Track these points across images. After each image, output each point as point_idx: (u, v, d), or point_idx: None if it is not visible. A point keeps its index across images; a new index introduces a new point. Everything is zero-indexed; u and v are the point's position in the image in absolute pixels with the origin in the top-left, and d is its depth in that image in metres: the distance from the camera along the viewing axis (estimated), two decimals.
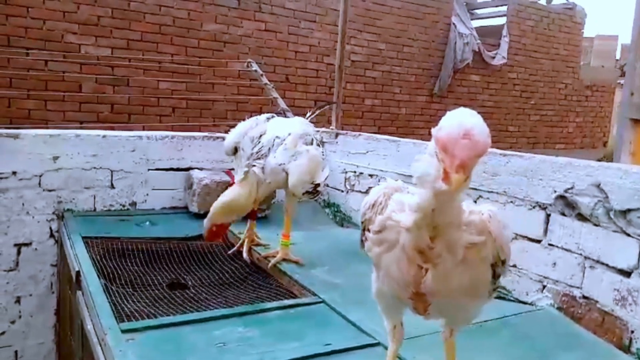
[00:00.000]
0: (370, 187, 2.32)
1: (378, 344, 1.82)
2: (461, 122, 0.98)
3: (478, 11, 10.74)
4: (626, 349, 1.98)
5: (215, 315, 1.98)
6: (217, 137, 3.43)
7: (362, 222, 1.32)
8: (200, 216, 3.20)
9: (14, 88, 5.77)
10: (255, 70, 5.00)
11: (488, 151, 1.00)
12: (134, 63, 6.46)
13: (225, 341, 1.79)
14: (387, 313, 1.42)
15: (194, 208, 3.21)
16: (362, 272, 2.17)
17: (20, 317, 2.95)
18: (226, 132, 2.74)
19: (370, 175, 3.34)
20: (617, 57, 13.87)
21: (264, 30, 7.49)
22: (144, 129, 6.37)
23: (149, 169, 3.24)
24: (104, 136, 3.11)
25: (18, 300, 2.94)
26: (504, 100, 10.37)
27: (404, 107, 9.02)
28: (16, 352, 2.97)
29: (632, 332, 1.97)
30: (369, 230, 1.27)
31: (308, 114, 2.77)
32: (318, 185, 2.44)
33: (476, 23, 9.98)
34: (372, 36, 8.50)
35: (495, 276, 1.24)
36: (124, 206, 3.18)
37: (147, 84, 6.61)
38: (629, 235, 1.98)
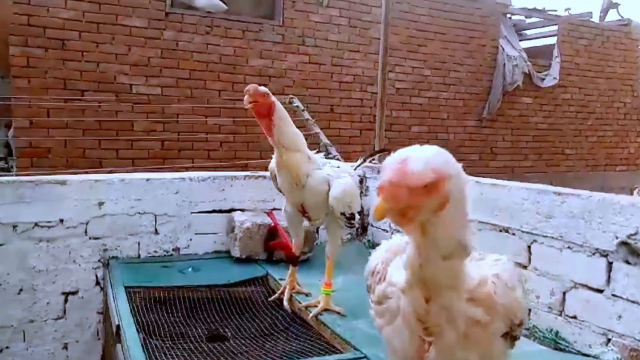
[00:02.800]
0: None
1: None
2: (408, 151, 0.89)
3: (527, 32, 10.46)
4: None
5: None
6: (259, 177, 3.41)
7: (367, 287, 1.23)
8: (242, 260, 3.18)
9: (70, 129, 6.03)
10: (297, 106, 5.00)
11: (440, 187, 0.88)
12: (182, 102, 6.63)
13: None
14: None
15: (236, 252, 3.18)
16: None
17: None
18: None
19: None
20: None
21: (308, 63, 7.54)
22: (193, 164, 6.52)
23: (191, 212, 3.25)
24: (147, 179, 3.14)
25: (65, 347, 2.97)
26: (558, 122, 9.97)
27: (452, 132, 8.82)
28: None
29: None
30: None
31: (358, 163, 2.69)
32: (353, 215, 2.36)
33: (525, 44, 9.70)
34: (417, 63, 8.41)
35: (512, 339, 1.12)
36: (167, 252, 3.19)
37: (196, 120, 6.76)
38: None
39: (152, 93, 6.50)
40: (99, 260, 3.00)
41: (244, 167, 6.11)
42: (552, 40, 9.88)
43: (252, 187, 3.42)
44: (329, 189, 2.32)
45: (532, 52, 9.66)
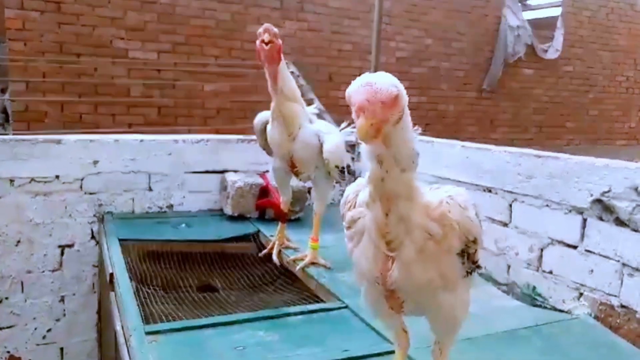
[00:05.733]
0: None
1: None
2: (367, 76, 1.01)
3: (530, 2, 10.34)
4: None
5: (238, 319, 2.00)
6: (251, 140, 3.46)
7: (341, 216, 1.32)
8: (235, 218, 3.27)
9: (66, 93, 6.06)
10: (292, 72, 5.01)
11: (400, 100, 1.01)
12: (179, 66, 6.64)
13: (245, 345, 1.80)
14: (379, 317, 1.40)
15: (228, 210, 3.26)
16: None
17: (64, 315, 3.09)
18: None
19: None
20: None
21: (307, 30, 7.51)
22: (189, 131, 6.57)
23: (185, 172, 3.31)
24: (141, 140, 3.20)
25: (62, 299, 3.08)
26: (560, 94, 9.95)
27: (452, 103, 8.82)
28: (62, 349, 3.12)
29: None
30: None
31: (343, 125, 2.74)
32: (344, 169, 2.44)
33: (528, 15, 9.61)
34: (419, 32, 8.35)
35: (469, 258, 1.20)
36: (161, 208, 3.27)
37: (193, 86, 6.77)
38: None
39: (148, 58, 6.51)
40: (94, 215, 3.09)
41: (242, 135, 6.16)
42: (556, 11, 9.76)
43: (245, 150, 3.48)
44: (320, 144, 2.38)
45: (535, 23, 9.57)
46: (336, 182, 2.64)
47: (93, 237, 3.09)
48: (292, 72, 5.13)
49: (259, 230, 3.12)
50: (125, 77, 6.35)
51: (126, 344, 1.84)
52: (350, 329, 1.99)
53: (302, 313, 2.10)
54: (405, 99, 1.03)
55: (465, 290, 1.28)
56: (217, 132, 6.16)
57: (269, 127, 2.49)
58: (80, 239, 3.07)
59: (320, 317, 2.09)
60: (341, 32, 7.72)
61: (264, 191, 3.26)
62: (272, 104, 2.40)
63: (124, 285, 2.23)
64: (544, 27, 9.65)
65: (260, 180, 3.32)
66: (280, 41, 2.27)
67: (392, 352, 1.77)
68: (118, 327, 1.99)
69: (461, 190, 1.21)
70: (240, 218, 3.26)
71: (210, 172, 3.39)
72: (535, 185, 2.36)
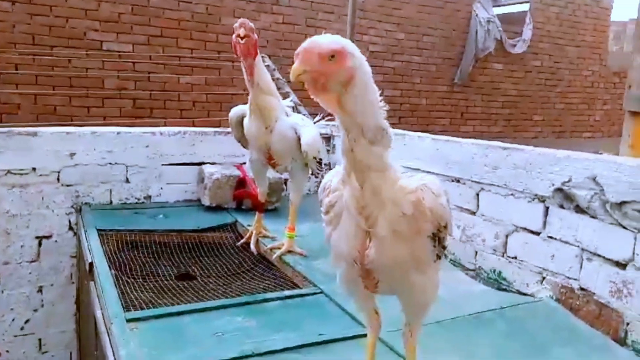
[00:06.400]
0: None
1: None
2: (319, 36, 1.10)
3: None
4: (622, 342, 1.99)
5: (217, 305, 2.07)
6: (228, 133, 3.51)
7: (319, 203, 1.38)
8: (212, 209, 3.32)
9: (39, 85, 5.99)
10: (268, 65, 5.06)
11: (344, 58, 1.07)
12: (155, 59, 6.61)
13: (223, 331, 1.87)
14: (351, 297, 1.47)
15: (206, 201, 3.31)
16: None
17: (42, 306, 3.11)
18: None
19: None
20: None
21: (282, 23, 7.54)
22: (165, 124, 6.55)
23: (162, 164, 3.35)
24: (118, 133, 3.22)
25: (40, 290, 3.10)
26: (528, 88, 10.20)
27: (424, 97, 8.97)
28: (40, 340, 3.13)
29: (628, 324, 1.98)
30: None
31: (317, 118, 2.81)
32: (321, 160, 2.53)
33: (498, 10, 9.82)
34: (392, 26, 8.46)
35: (439, 242, 1.28)
36: (139, 199, 3.31)
37: (168, 79, 6.75)
38: (624, 227, 1.98)
39: (123, 50, 6.46)
40: (72, 206, 3.11)
41: (218, 127, 6.19)
42: (525, 7, 10.00)
43: (222, 142, 3.53)
44: (296, 136, 2.46)
45: (504, 19, 9.78)
46: (312, 174, 2.72)
47: (71, 228, 3.11)
48: (267, 66, 5.18)
49: (236, 220, 3.18)
50: (99, 70, 6.29)
51: (107, 332, 1.89)
52: (325, 313, 2.08)
53: (278, 299, 2.18)
54: (354, 60, 1.09)
55: (435, 273, 1.36)
56: (193, 124, 6.17)
57: (246, 120, 2.55)
58: (58, 230, 3.08)
59: (297, 303, 2.17)
60: (316, 26, 7.77)
61: (241, 182, 3.32)
62: (249, 97, 2.46)
63: (104, 274, 2.27)
64: (513, 22, 9.87)
65: (237, 172, 3.38)
66: (256, 36, 2.33)
67: (365, 335, 1.88)
68: (98, 315, 2.03)
69: (434, 179, 1.28)
70: (218, 208, 3.32)
71: (188, 164, 3.43)
72: (500, 175, 2.48)
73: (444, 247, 1.32)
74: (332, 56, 1.06)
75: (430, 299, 1.38)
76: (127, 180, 3.26)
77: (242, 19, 2.30)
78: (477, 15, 9.23)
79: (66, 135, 3.09)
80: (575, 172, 2.15)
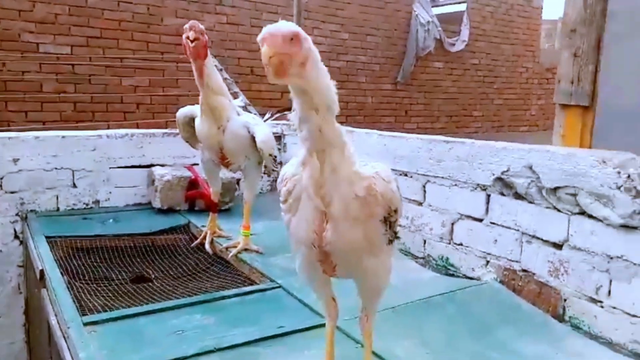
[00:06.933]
0: None
1: None
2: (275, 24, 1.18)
3: None
4: (561, 318, 2.15)
5: (175, 305, 2.08)
6: (177, 134, 3.48)
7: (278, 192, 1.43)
8: (164, 211, 3.30)
9: None
10: (216, 66, 5.05)
11: (300, 40, 1.15)
12: (95, 61, 6.43)
13: (183, 329, 1.89)
14: (310, 284, 1.53)
15: (157, 204, 3.28)
16: None
17: None
18: None
19: None
20: None
21: (226, 23, 7.51)
22: (109, 127, 6.38)
23: (110, 167, 3.29)
24: (63, 137, 3.14)
25: None
26: (468, 85, 10.60)
27: (369, 95, 9.16)
28: None
29: (565, 300, 2.14)
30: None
31: (266, 117, 2.86)
32: (276, 157, 2.58)
33: (437, 10, 10.15)
34: (336, 26, 8.59)
35: (390, 226, 1.36)
36: (87, 205, 3.24)
37: (109, 81, 6.59)
38: (559, 210, 2.14)
39: (60, 52, 6.26)
40: (17, 214, 3.01)
41: (165, 129, 6.09)
42: (462, 7, 10.38)
43: (171, 144, 3.51)
44: (249, 135, 2.49)
45: (443, 18, 10.13)
46: (264, 172, 2.75)
47: (16, 237, 3.01)
48: (215, 66, 5.18)
49: (189, 222, 3.18)
50: (36, 73, 6.06)
51: (64, 337, 1.86)
52: (283, 306, 2.13)
53: (236, 295, 2.21)
54: (309, 43, 1.18)
55: (387, 257, 1.45)
56: (137, 126, 6.05)
57: (197, 120, 2.56)
58: (3, 239, 2.97)
59: (255, 298, 2.21)
60: (260, 26, 7.61)
61: (193, 183, 3.32)
62: (200, 98, 2.47)
63: (56, 280, 2.22)
64: (451, 22, 10.23)
65: (188, 173, 3.37)
66: (206, 37, 2.36)
67: (324, 325, 1.94)
68: (53, 322, 2.00)
69: (385, 167, 1.37)
70: (170, 211, 3.30)
71: (137, 167, 3.39)
72: (444, 167, 2.61)
73: (395, 233, 1.41)
74: (292, 39, 1.14)
75: (384, 282, 1.46)
76: (74, 185, 3.19)
77: (192, 21, 2.32)
78: (417, 15, 9.51)
79: (8, 141, 2.99)
80: (513, 162, 2.30)
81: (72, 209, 3.19)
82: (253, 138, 2.51)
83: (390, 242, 1.41)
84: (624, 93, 2.22)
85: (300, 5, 4.09)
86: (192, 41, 2.28)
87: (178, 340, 1.81)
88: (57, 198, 3.13)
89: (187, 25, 2.31)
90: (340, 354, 1.62)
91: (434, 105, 10.18)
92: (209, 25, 7.22)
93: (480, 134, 10.74)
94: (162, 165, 3.44)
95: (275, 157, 2.55)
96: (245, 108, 4.36)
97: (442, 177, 2.62)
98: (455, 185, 2.56)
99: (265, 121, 2.81)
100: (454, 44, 10.09)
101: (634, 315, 1.89)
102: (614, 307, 1.96)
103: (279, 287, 2.28)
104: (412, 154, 2.77)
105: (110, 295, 2.26)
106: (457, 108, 10.53)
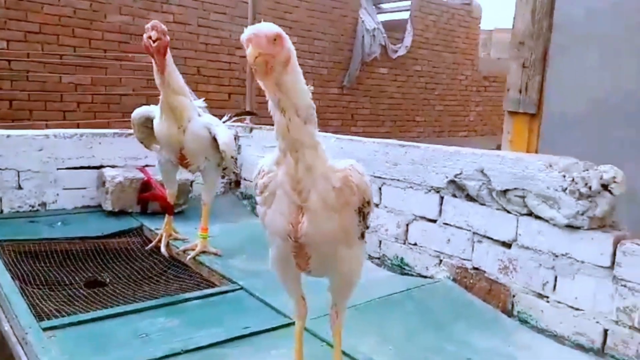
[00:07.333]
0: None
1: (294, 323, 1.96)
2: (255, 25, 1.22)
3: (383, 5, 11.16)
4: (510, 313, 2.28)
5: (137, 308, 2.05)
6: (129, 134, 3.41)
7: (254, 186, 1.46)
8: (115, 214, 3.21)
9: None
10: None
11: (283, 40, 1.20)
12: (33, 57, 6.14)
13: (147, 332, 1.87)
14: (284, 282, 1.56)
15: (108, 206, 3.19)
16: None
17: None
18: None
19: None
20: None
21: (172, 22, 7.35)
22: (47, 127, 6.11)
23: (58, 168, 3.17)
24: (8, 136, 3.00)
25: None
26: (411, 91, 10.90)
27: (316, 99, 9.18)
28: None
29: (514, 296, 2.28)
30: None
31: (224, 119, 2.85)
32: (237, 159, 2.59)
33: (381, 17, 10.38)
34: (284, 29, 8.56)
35: (364, 217, 1.43)
36: (33, 207, 3.11)
37: (48, 78, 6.31)
38: (508, 212, 2.28)
39: None
40: None
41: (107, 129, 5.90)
42: (406, 15, 10.67)
43: (122, 144, 3.43)
44: (210, 136, 2.48)
45: (388, 25, 10.37)
46: (223, 174, 2.75)
47: None
48: None
49: (142, 225, 3.11)
50: None
51: (20, 343, 1.80)
52: (247, 308, 2.14)
53: (199, 298, 2.20)
54: (289, 43, 1.23)
55: (360, 250, 1.50)
56: (78, 126, 5.83)
57: (155, 120, 2.53)
58: None
59: (217, 300, 2.21)
60: (208, 26, 7.70)
61: (146, 185, 3.25)
62: (160, 98, 2.45)
63: (8, 286, 2.14)
64: (395, 29, 10.49)
65: (140, 175, 3.30)
66: (168, 37, 2.34)
67: (289, 324, 1.98)
68: (7, 328, 1.92)
69: (357, 162, 1.42)
70: (121, 213, 3.22)
71: (86, 168, 3.28)
72: (400, 170, 2.71)
73: (367, 226, 1.47)
74: (275, 39, 1.18)
75: (356, 275, 1.52)
76: (20, 187, 3.05)
77: (154, 21, 2.30)
78: (363, 21, 9.69)
79: None
80: (466, 166, 2.42)
81: (17, 211, 3.05)
82: (214, 139, 2.51)
83: (362, 236, 1.47)
84: (567, 101, 2.39)
85: (255, 9, 4.10)
86: (154, 41, 2.26)
87: (143, 343, 1.79)
88: (1, 200, 2.99)
89: (149, 25, 2.29)
90: (306, 353, 1.66)
91: (379, 110, 10.40)
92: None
93: (423, 139, 11.07)
94: (113, 167, 3.36)
95: (236, 159, 2.56)
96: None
97: (398, 180, 2.72)
98: (411, 187, 2.66)
99: (224, 123, 2.81)
100: (396, 51, 10.35)
101: (577, 309, 2.05)
102: (559, 302, 2.11)
103: (241, 288, 2.29)
104: (368, 157, 2.84)
105: (65, 300, 2.20)
106: (401, 113, 10.81)
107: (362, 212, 1.40)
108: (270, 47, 1.18)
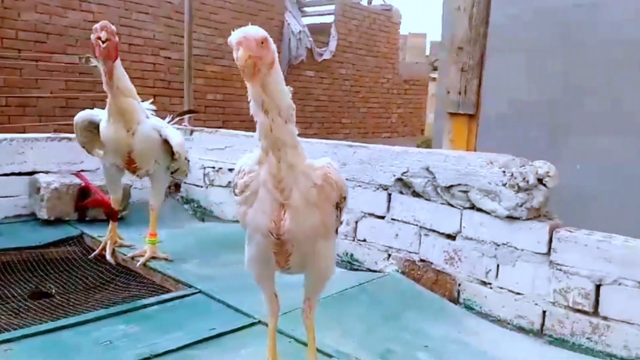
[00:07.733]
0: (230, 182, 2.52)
1: (258, 322, 2.00)
2: (241, 29, 1.27)
3: (308, 9, 11.32)
4: (455, 301, 2.44)
5: (95, 316, 1.99)
6: (63, 138, 3.27)
7: (234, 194, 1.48)
8: (51, 222, 3.06)
9: None
10: (95, 66, 4.76)
11: (269, 43, 1.26)
12: None
13: (109, 339, 1.82)
14: (259, 280, 1.58)
15: (43, 214, 3.03)
16: (233, 261, 2.35)
17: None
18: (55, 131, 2.67)
19: (231, 170, 3.47)
20: (427, 53, 15.74)
21: (92, 21, 7.03)
22: None
23: None
24: None
25: None
26: (336, 94, 11.13)
27: (246, 101, 9.14)
28: None
29: (459, 285, 2.44)
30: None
31: (167, 120, 2.80)
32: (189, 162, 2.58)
33: (307, 21, 10.53)
34: (210, 30, 8.51)
35: (340, 212, 1.50)
36: None
37: None
38: (452, 206, 2.44)
39: None
40: None
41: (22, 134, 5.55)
42: (330, 19, 10.89)
43: (56, 149, 3.27)
44: (160, 138, 2.44)
45: (313, 29, 10.53)
46: (172, 177, 2.72)
47: None
48: (95, 67, 4.88)
49: (82, 232, 2.99)
50: None
51: None
52: (208, 310, 2.14)
53: (157, 303, 2.17)
54: (274, 46, 1.28)
55: (334, 244, 1.57)
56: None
57: (102, 124, 2.45)
58: None
59: (176, 305, 2.18)
60: (130, 26, 7.45)
61: (84, 191, 3.12)
62: (108, 100, 2.38)
63: None
64: (320, 33, 10.68)
65: (77, 180, 3.16)
66: (117, 39, 2.28)
67: (254, 323, 2.01)
68: None
69: (333, 161, 1.49)
70: (58, 221, 3.07)
71: (17, 174, 3.10)
72: (349, 170, 2.80)
73: (341, 222, 1.54)
74: (262, 42, 1.23)
75: (331, 269, 1.59)
76: None
77: (103, 22, 2.24)
78: (289, 24, 9.78)
79: None
80: (412, 164, 2.56)
81: None
82: (164, 142, 2.47)
83: (336, 231, 1.54)
84: (497, 103, 2.60)
85: (192, 12, 4.05)
86: (103, 42, 2.20)
87: (107, 350, 1.75)
88: None
89: (97, 26, 2.22)
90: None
91: (307, 112, 10.52)
92: (72, 23, 6.76)
93: (349, 140, 11.30)
94: (47, 173, 3.19)
95: (189, 161, 2.54)
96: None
97: (347, 179, 2.77)
98: (359, 186, 2.77)
99: (168, 124, 2.77)
100: (322, 54, 10.54)
101: (517, 293, 2.23)
102: (501, 288, 2.29)
103: (199, 292, 2.28)
104: (317, 158, 2.91)
105: (12, 313, 2.08)
106: (328, 115, 11.01)
107: (339, 207, 1.47)
108: (258, 50, 1.23)
